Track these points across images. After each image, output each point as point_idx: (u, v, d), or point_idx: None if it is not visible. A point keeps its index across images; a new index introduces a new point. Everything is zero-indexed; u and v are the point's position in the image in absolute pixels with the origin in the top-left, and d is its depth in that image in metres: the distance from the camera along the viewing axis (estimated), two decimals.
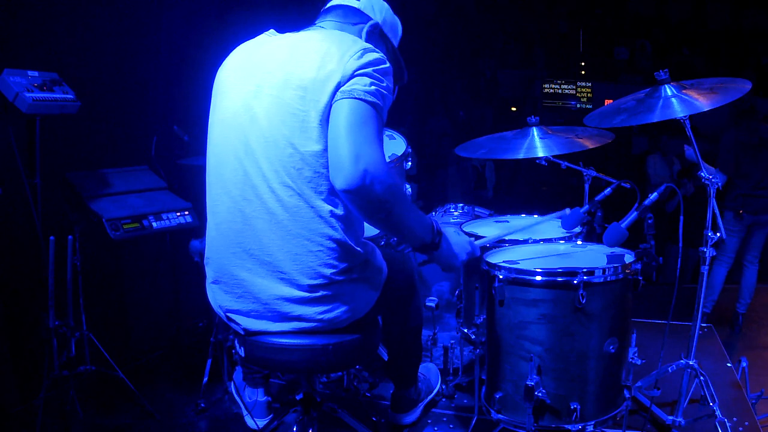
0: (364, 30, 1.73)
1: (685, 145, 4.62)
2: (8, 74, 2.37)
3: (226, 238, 1.60)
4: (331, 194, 1.52)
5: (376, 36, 1.76)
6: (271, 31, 1.69)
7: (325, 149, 1.48)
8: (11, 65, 2.41)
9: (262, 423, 2.35)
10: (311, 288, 1.54)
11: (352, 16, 1.74)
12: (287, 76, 1.52)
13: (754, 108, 4.30)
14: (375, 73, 1.51)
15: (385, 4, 1.82)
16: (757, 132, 4.32)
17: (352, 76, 1.49)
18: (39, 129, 2.45)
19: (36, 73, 2.47)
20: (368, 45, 1.58)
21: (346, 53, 1.51)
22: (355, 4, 1.75)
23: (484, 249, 2.08)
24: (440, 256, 1.68)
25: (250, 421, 2.35)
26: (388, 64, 1.56)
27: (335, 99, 1.48)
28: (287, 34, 1.65)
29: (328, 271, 1.54)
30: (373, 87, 1.49)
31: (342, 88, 1.48)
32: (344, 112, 1.46)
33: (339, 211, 1.53)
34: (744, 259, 4.48)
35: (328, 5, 1.79)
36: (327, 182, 1.50)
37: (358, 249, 1.59)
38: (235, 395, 2.43)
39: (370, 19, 1.75)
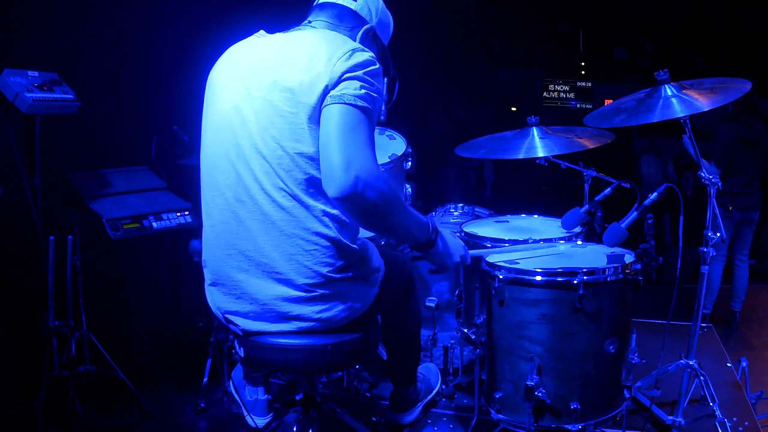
0: (359, 35, 1.70)
1: (683, 136, 4.64)
2: (8, 74, 2.37)
3: (221, 239, 1.60)
4: (323, 194, 1.50)
5: (369, 39, 1.73)
6: (261, 32, 1.67)
7: (316, 151, 1.47)
8: (11, 65, 2.41)
9: (262, 422, 2.34)
10: (308, 287, 1.54)
11: (348, 19, 1.70)
12: (275, 77, 1.51)
13: (754, 104, 4.27)
14: (365, 76, 1.48)
15: (380, 1, 1.77)
16: (754, 128, 4.28)
17: (341, 80, 1.46)
18: (39, 129, 2.45)
19: (36, 73, 2.47)
20: (357, 45, 1.55)
21: (334, 55, 1.48)
22: (352, 5, 1.70)
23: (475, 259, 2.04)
24: (435, 254, 1.68)
25: (250, 420, 2.35)
26: (378, 65, 1.53)
27: (325, 104, 1.46)
28: (277, 35, 1.63)
29: (324, 270, 1.54)
30: (363, 91, 1.46)
31: (331, 93, 1.46)
32: (334, 118, 1.44)
33: (332, 210, 1.53)
34: (735, 258, 4.46)
35: (322, 0, 1.73)
36: (318, 182, 1.48)
37: (354, 246, 1.59)
38: (235, 395, 2.43)
39: (366, 22, 1.71)
